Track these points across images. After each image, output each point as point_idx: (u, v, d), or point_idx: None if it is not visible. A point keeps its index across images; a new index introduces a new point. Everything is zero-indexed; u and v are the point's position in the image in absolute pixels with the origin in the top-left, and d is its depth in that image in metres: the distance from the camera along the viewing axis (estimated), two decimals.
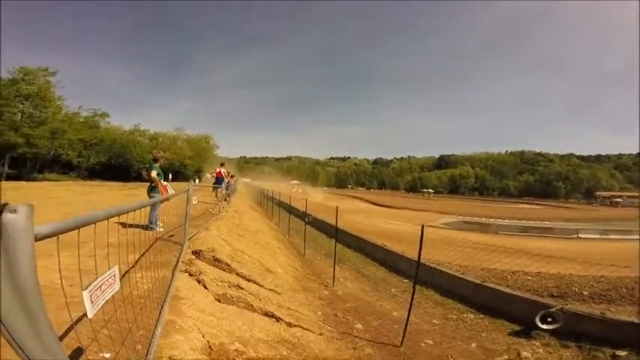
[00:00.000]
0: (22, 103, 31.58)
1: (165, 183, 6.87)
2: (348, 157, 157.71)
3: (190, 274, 4.24)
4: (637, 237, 20.12)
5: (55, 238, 1.03)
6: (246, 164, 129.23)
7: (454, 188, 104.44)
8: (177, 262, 4.36)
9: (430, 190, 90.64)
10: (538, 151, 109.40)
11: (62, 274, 1.30)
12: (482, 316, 6.21)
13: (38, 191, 13.44)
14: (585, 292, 7.09)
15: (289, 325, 4.32)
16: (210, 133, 64.52)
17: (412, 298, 5.17)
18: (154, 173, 6.51)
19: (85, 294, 1.32)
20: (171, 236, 5.78)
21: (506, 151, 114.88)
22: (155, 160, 6.78)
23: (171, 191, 6.73)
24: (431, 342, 5.21)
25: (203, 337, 2.67)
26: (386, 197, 64.09)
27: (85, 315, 1.39)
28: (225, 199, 14.95)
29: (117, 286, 1.55)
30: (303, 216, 17.07)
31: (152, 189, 6.60)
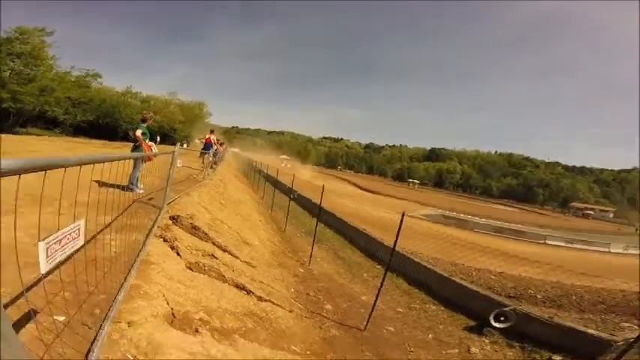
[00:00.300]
0: (13, 61, 30.92)
1: (150, 143, 6.77)
2: (341, 139, 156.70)
3: (165, 240, 4.17)
4: (599, 249, 21.29)
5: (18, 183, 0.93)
6: (237, 134, 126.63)
7: (439, 182, 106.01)
8: (153, 226, 4.31)
9: (416, 181, 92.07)
10: (526, 155, 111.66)
11: (29, 231, 1.24)
12: (443, 308, 6.48)
13: (18, 144, 12.83)
14: (539, 296, 7.42)
15: (260, 299, 4.35)
16: (205, 100, 64.05)
17: (381, 285, 5.34)
18: (138, 132, 6.43)
19: (41, 246, 1.21)
20: (150, 199, 5.68)
21: (496, 151, 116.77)
22: (143, 121, 6.71)
23: (155, 151, 6.67)
24: (392, 329, 5.44)
25: (168, 304, 2.63)
26: (373, 183, 64.72)
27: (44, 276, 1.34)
28: (212, 167, 14.66)
29: (80, 241, 1.43)
30: (288, 192, 17.10)
31: (135, 148, 6.51)
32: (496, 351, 5.15)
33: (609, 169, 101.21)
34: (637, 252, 21.95)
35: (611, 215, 74.36)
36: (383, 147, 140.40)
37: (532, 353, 5.05)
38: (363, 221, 13.68)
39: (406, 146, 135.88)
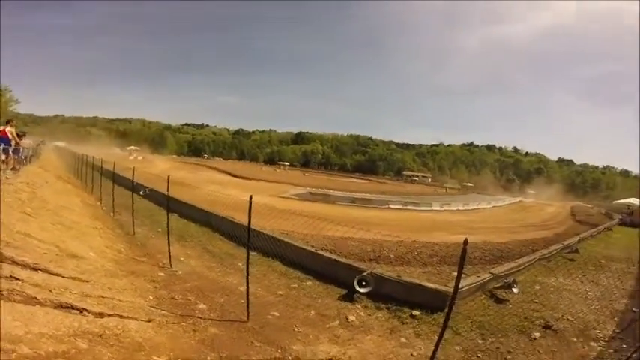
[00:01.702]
0: None
1: None
2: (207, 125, 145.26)
3: None
4: (425, 208, 27.67)
5: None
6: (62, 124, 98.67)
7: (305, 162, 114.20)
8: None
9: (285, 164, 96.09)
10: (369, 136, 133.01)
11: None
12: (318, 282, 6.75)
13: None
14: (392, 255, 8.70)
15: (100, 315, 3.75)
16: (8, 84, 46.72)
17: (247, 269, 5.07)
18: None
19: None
20: None
21: (348, 133, 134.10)
22: None
23: None
24: (277, 313, 5.35)
25: None
26: (245, 168, 63.22)
27: None
28: (14, 168, 11.28)
29: None
30: (139, 188, 14.48)
31: None
32: (369, 315, 5.62)
33: (425, 144, 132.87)
34: (450, 208, 29.82)
35: (429, 180, 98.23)
36: (253, 132, 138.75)
37: (397, 312, 5.65)
38: (234, 209, 12.99)
39: (275, 131, 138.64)
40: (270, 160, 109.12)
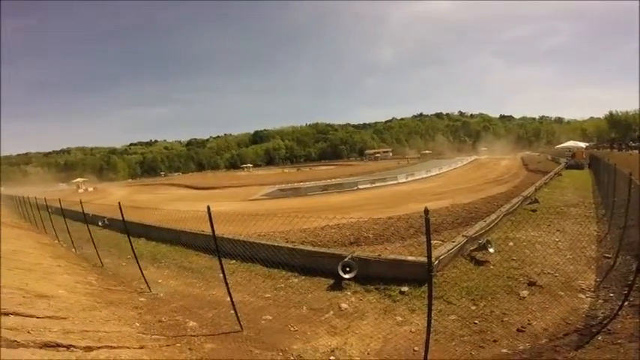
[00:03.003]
0: None
1: None
2: (156, 141, 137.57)
3: None
4: (392, 182, 28.58)
5: None
6: None
7: (270, 160, 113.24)
8: None
9: (249, 165, 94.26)
10: (327, 122, 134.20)
11: None
12: (304, 277, 6.68)
13: None
14: (371, 235, 8.80)
15: (88, 349, 3.60)
16: None
17: (224, 276, 4.93)
18: None
19: None
20: None
21: (306, 124, 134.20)
22: None
23: None
24: (270, 317, 5.24)
25: None
26: (207, 179, 61.03)
27: None
28: None
29: None
30: (96, 220, 13.56)
31: None
32: (360, 300, 5.58)
33: (379, 121, 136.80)
34: (415, 178, 30.96)
35: (390, 154, 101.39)
36: (207, 140, 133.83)
37: (386, 291, 5.63)
38: (205, 222, 12.58)
39: (231, 134, 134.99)
40: (233, 165, 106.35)
